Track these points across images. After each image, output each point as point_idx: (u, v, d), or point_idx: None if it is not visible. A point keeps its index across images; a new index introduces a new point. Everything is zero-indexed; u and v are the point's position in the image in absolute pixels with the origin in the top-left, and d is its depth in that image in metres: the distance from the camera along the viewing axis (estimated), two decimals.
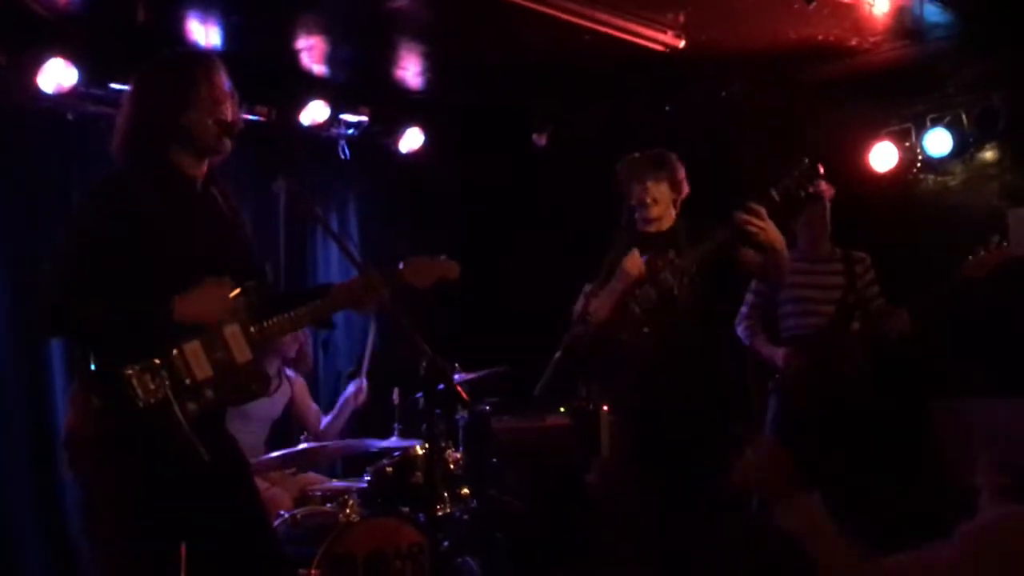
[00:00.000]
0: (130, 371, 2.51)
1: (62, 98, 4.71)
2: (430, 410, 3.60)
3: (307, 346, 4.88)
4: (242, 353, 2.67)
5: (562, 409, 5.21)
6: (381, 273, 2.88)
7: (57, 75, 4.57)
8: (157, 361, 2.55)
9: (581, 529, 4.89)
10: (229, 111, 2.77)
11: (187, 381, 2.59)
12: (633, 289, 3.69)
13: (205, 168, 2.80)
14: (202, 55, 2.86)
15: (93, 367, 2.53)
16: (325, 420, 4.79)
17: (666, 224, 3.90)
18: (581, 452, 4.73)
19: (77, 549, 4.60)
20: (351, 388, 4.76)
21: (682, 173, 3.94)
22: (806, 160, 3.68)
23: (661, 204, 3.85)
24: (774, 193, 3.61)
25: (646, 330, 3.67)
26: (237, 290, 2.73)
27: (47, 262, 2.70)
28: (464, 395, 2.84)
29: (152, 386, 2.52)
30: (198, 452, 2.53)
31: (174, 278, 2.63)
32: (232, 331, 2.67)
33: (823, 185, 4.81)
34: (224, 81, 2.79)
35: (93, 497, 2.63)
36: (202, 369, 2.61)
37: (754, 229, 3.54)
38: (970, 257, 4.61)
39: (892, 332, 4.69)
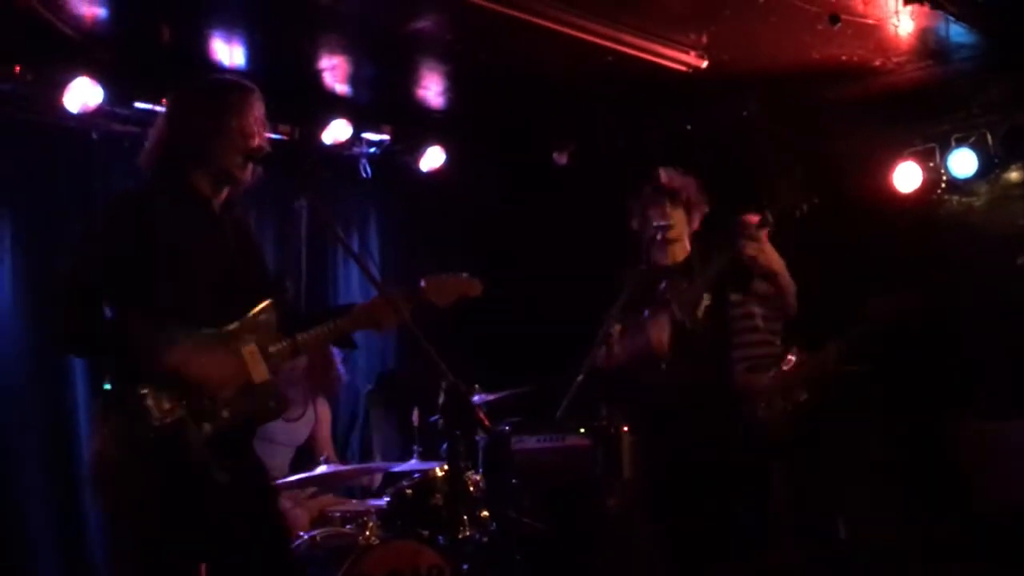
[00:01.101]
0: (145, 390, 2.50)
1: (87, 117, 4.74)
2: (450, 432, 3.58)
3: (336, 363, 4.86)
4: (259, 373, 2.65)
5: (582, 430, 5.18)
6: (401, 292, 2.85)
7: (82, 94, 4.60)
8: (174, 380, 2.53)
9: (601, 551, 4.85)
10: (257, 142, 2.77)
11: (203, 401, 2.57)
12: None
13: (225, 194, 2.81)
14: (241, 85, 2.84)
15: (108, 386, 2.53)
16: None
17: (680, 255, 3.94)
18: (602, 473, 4.70)
19: (96, 567, 4.60)
20: None
21: (697, 197, 3.96)
22: (799, 179, 3.68)
23: (678, 228, 3.89)
24: (769, 215, 3.62)
25: (663, 365, 3.69)
26: (259, 307, 2.72)
27: (58, 279, 2.67)
28: (485, 421, 2.81)
29: (167, 406, 2.51)
30: (214, 474, 2.52)
31: (186, 298, 2.62)
32: (250, 350, 2.65)
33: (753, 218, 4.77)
34: (259, 112, 2.80)
35: (113, 517, 2.63)
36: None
37: (752, 253, 3.54)
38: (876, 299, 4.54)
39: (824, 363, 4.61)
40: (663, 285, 3.78)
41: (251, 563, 2.67)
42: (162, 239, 2.62)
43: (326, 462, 4.06)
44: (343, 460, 4.87)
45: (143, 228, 2.61)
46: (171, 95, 2.88)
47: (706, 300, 3.70)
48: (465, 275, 3.01)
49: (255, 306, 2.73)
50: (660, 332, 3.68)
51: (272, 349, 2.70)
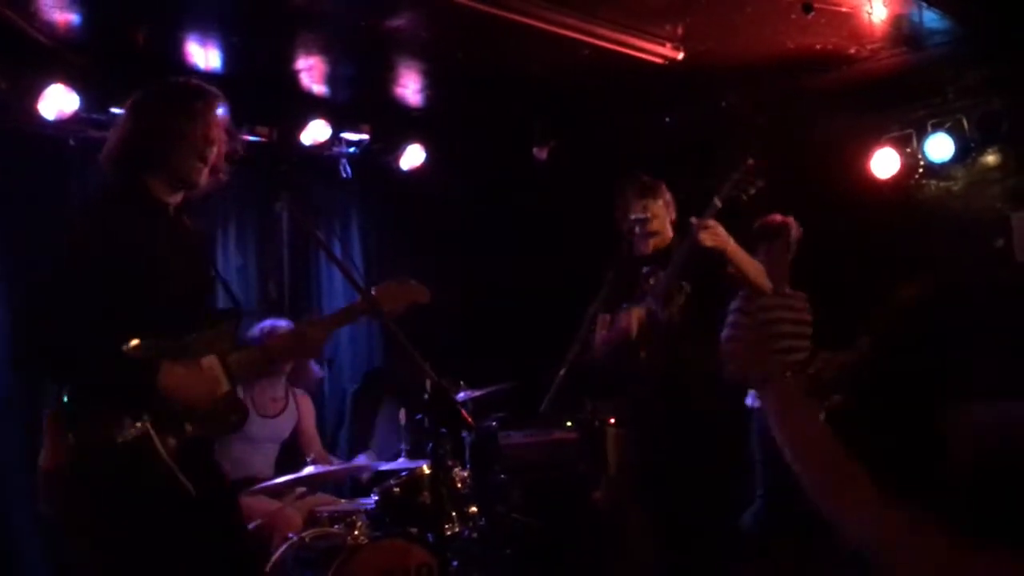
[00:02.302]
0: (108, 405, 2.47)
1: (63, 124, 4.71)
2: (436, 430, 3.59)
3: (310, 363, 4.84)
4: (220, 385, 2.64)
5: (569, 423, 5.20)
6: (352, 305, 2.90)
7: (58, 101, 4.58)
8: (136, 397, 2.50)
9: (589, 544, 4.87)
10: (215, 151, 2.75)
11: (167, 415, 2.54)
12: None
13: (180, 198, 2.80)
14: (204, 90, 2.80)
15: (67, 400, 2.49)
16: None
17: (662, 243, 3.99)
18: (588, 467, 4.73)
19: None
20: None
21: (671, 196, 4.05)
22: (749, 161, 3.71)
23: (658, 220, 3.96)
24: (717, 201, 3.66)
25: (643, 354, 3.73)
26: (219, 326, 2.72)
27: (27, 295, 2.64)
28: (469, 419, 2.81)
29: (131, 420, 2.48)
30: (183, 486, 2.50)
31: (146, 308, 2.60)
32: (210, 362, 2.63)
33: (791, 222, 4.83)
34: (220, 119, 2.78)
35: (69, 533, 2.58)
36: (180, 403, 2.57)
37: (708, 242, 3.58)
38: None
39: (857, 354, 4.65)
40: (645, 271, 3.84)
41: (216, 572, 2.65)
42: (124, 252, 2.59)
43: (313, 462, 4.05)
44: (331, 458, 4.86)
45: (104, 244, 2.58)
46: (133, 96, 2.85)
47: (686, 290, 3.73)
48: (413, 282, 3.02)
49: (211, 316, 2.73)
50: (629, 319, 3.74)
51: (231, 360, 2.69)
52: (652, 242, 3.95)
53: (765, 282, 3.84)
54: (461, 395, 4.61)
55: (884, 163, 5.55)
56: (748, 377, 1.97)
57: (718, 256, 3.65)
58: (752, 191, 3.69)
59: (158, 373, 2.51)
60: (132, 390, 2.50)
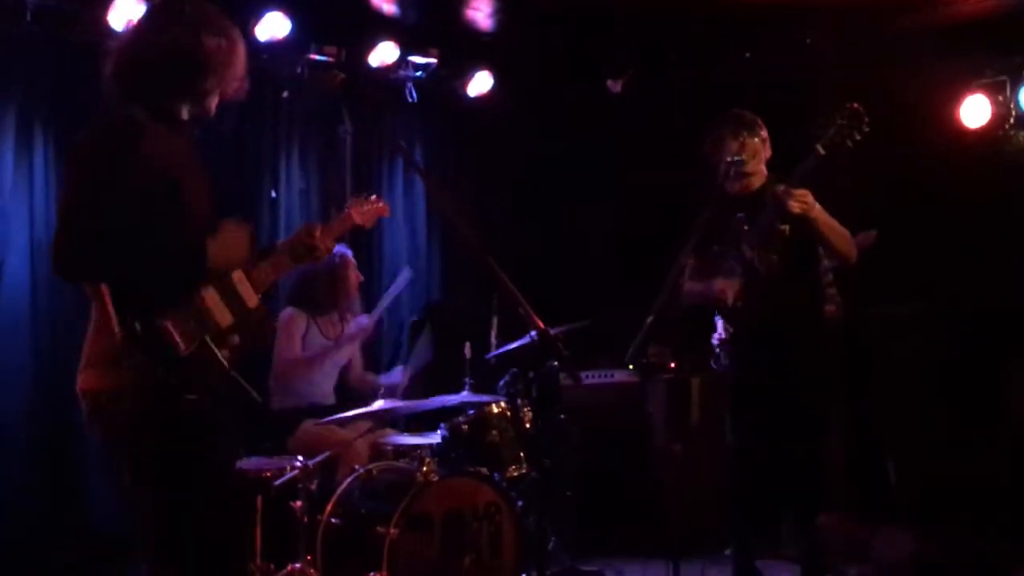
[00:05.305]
0: (168, 321, 2.48)
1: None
2: (518, 369, 3.51)
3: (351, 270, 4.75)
4: (251, 298, 2.66)
5: (631, 367, 5.10)
6: (332, 219, 2.99)
7: (128, 13, 4.45)
8: (187, 309, 2.53)
9: (649, 487, 4.83)
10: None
11: (215, 329, 2.57)
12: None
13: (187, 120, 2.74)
14: (230, 22, 2.70)
15: (138, 326, 2.47)
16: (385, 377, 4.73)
17: (756, 183, 3.85)
18: (667, 417, 4.66)
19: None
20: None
21: (767, 133, 3.90)
22: (854, 105, 3.54)
23: (756, 161, 3.81)
24: (820, 148, 3.51)
25: (738, 304, 3.64)
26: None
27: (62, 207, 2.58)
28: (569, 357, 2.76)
29: (190, 334, 2.51)
30: (246, 390, 2.56)
31: (188, 222, 2.58)
32: (238, 276, 2.64)
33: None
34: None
35: (131, 452, 2.57)
36: (223, 316, 2.59)
37: (798, 211, 3.50)
38: None
39: None
40: (739, 216, 3.71)
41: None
42: (159, 168, 2.54)
43: (384, 397, 3.99)
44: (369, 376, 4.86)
45: (142, 157, 2.51)
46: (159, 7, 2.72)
47: (785, 233, 3.62)
48: (374, 197, 3.12)
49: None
50: (726, 288, 3.66)
51: (254, 274, 2.68)
52: (746, 182, 3.80)
53: (849, 249, 3.72)
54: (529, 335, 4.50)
55: (974, 111, 5.33)
56: None
57: (805, 222, 3.54)
58: (858, 137, 3.52)
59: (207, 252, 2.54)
60: (186, 275, 2.53)
